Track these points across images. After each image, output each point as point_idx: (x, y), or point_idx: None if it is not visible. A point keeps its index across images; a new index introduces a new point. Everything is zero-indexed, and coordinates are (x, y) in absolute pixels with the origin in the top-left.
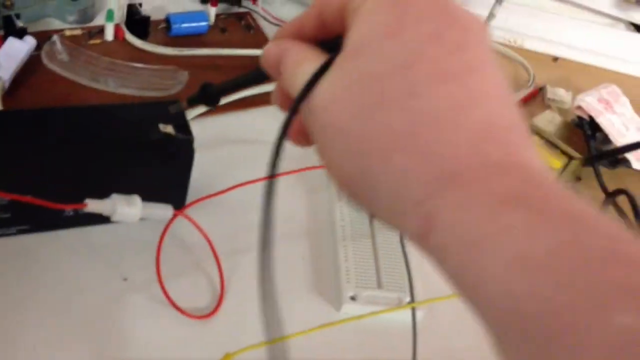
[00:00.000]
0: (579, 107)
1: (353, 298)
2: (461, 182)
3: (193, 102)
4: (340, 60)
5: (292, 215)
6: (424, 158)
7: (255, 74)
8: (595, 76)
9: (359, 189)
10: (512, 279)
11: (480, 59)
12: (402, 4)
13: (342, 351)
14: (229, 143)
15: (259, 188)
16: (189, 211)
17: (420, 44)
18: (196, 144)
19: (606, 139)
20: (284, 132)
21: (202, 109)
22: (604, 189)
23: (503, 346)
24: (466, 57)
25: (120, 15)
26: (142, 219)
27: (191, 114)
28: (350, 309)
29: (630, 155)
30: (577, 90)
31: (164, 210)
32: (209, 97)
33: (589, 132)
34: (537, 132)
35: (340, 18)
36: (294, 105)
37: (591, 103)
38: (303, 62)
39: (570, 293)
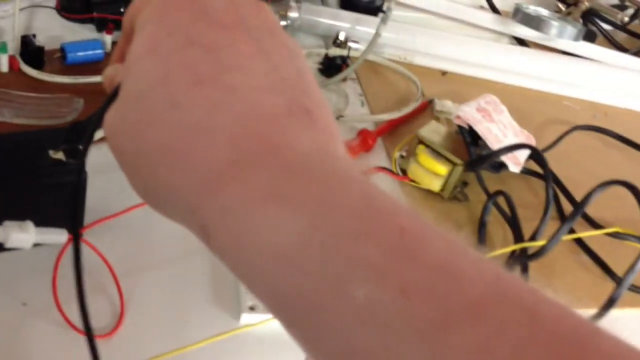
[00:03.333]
0: (458, 117)
1: (252, 308)
2: (221, 187)
3: (69, 145)
4: (121, 85)
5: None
6: (186, 169)
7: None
8: (482, 88)
9: (152, 201)
10: (268, 272)
11: (242, 52)
12: (161, 16)
13: (242, 358)
14: None
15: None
16: (87, 234)
17: (175, 54)
18: (93, 169)
19: (487, 146)
20: (84, 155)
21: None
22: (485, 191)
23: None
24: (222, 57)
25: (14, 46)
26: (38, 245)
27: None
28: (249, 319)
29: (506, 160)
30: (464, 102)
31: (59, 235)
32: (81, 135)
33: (469, 140)
34: (423, 142)
35: None
36: (87, 135)
37: (469, 112)
38: None
39: (315, 277)
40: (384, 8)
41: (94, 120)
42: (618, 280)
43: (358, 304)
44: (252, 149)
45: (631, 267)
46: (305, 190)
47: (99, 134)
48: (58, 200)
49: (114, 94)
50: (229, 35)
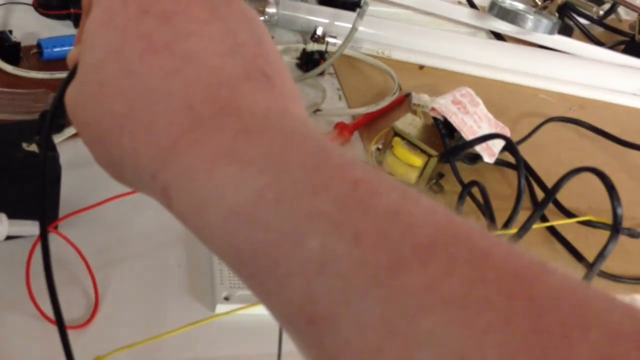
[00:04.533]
0: (433, 109)
1: (227, 298)
2: (180, 150)
3: (42, 133)
4: (79, 61)
5: (168, 226)
6: (146, 135)
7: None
8: (459, 81)
9: (114, 171)
10: (228, 231)
11: (197, 19)
12: None
13: (215, 348)
14: None
15: (129, 201)
16: (62, 226)
17: (129, 23)
18: (69, 163)
19: (463, 138)
20: (47, 138)
21: (72, 130)
22: (460, 181)
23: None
24: (176, 24)
25: None
26: (12, 237)
27: (63, 135)
28: (224, 309)
29: (481, 151)
30: (441, 95)
31: (32, 227)
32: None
33: (444, 131)
34: (399, 134)
35: None
36: (49, 114)
37: (445, 104)
38: None
39: (273, 231)
40: (361, 3)
41: (55, 99)
42: (588, 267)
43: (315, 255)
44: (210, 112)
45: (600, 254)
46: (262, 149)
47: (73, 130)
48: (31, 192)
49: (72, 72)
50: (184, 3)
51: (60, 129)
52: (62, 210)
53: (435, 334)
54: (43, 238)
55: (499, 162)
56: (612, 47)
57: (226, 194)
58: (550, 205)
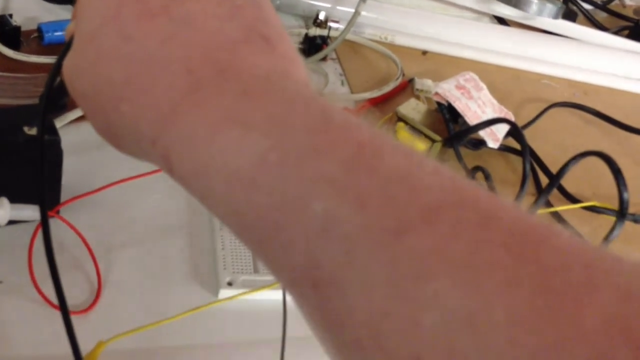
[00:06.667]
0: (437, 94)
1: (230, 283)
2: (180, 115)
3: (39, 110)
4: (75, 32)
5: (171, 210)
6: (145, 101)
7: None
8: (462, 67)
9: (115, 140)
10: (231, 195)
11: None
12: None
13: (218, 334)
14: (103, 145)
15: (132, 186)
16: (63, 210)
17: None
18: (71, 147)
19: (467, 123)
20: (44, 114)
21: (74, 114)
22: (464, 167)
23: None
24: None
25: None
26: (14, 222)
27: (65, 120)
28: (227, 294)
29: (485, 136)
30: (444, 81)
31: (33, 211)
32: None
33: (447, 116)
34: (402, 119)
35: None
36: (45, 89)
37: (448, 89)
38: None
39: (276, 195)
40: None
41: (51, 71)
42: None
43: (319, 219)
44: (210, 75)
45: (606, 238)
46: (264, 112)
47: (76, 114)
48: (33, 176)
49: (68, 44)
50: None
51: (62, 108)
52: (64, 195)
53: (442, 297)
54: (44, 222)
55: (503, 148)
56: (616, 33)
57: (228, 159)
58: (555, 191)
